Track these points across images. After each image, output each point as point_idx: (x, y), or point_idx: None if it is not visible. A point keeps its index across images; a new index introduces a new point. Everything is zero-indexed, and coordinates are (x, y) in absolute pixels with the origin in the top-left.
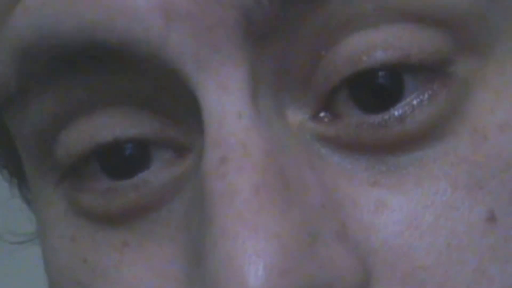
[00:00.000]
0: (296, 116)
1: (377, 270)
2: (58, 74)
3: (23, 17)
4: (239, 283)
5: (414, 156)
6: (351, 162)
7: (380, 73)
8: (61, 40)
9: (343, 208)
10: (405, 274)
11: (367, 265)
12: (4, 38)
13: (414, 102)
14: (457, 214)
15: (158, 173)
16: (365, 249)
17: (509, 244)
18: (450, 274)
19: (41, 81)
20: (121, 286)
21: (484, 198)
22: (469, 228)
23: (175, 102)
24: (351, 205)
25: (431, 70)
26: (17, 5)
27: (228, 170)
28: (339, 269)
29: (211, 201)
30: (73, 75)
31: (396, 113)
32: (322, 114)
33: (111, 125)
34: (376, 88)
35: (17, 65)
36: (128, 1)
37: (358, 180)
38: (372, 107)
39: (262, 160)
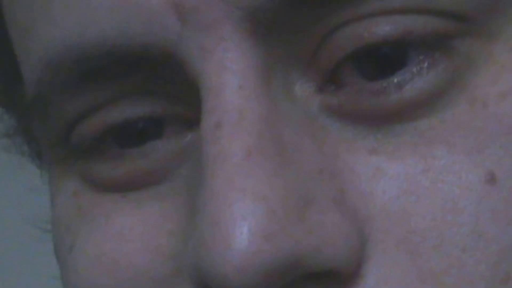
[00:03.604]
0: (303, 90)
1: (374, 236)
2: (79, 82)
3: (49, 28)
4: (223, 245)
5: (412, 124)
6: (352, 130)
7: (384, 45)
8: (85, 50)
9: (342, 175)
10: (399, 239)
11: (364, 231)
12: (29, 48)
13: (414, 69)
14: (454, 177)
15: (167, 143)
16: (363, 216)
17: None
18: (444, 237)
19: (60, 89)
20: (106, 233)
21: (484, 160)
22: (466, 190)
23: (184, 87)
24: (350, 172)
25: (433, 44)
26: (43, 15)
27: (222, 134)
28: (330, 235)
29: (205, 164)
30: (91, 81)
31: (395, 79)
32: (327, 85)
33: (122, 108)
34: (379, 57)
35: (39, 74)
36: (142, 2)
37: (357, 148)
38: (375, 75)
39: (257, 125)
